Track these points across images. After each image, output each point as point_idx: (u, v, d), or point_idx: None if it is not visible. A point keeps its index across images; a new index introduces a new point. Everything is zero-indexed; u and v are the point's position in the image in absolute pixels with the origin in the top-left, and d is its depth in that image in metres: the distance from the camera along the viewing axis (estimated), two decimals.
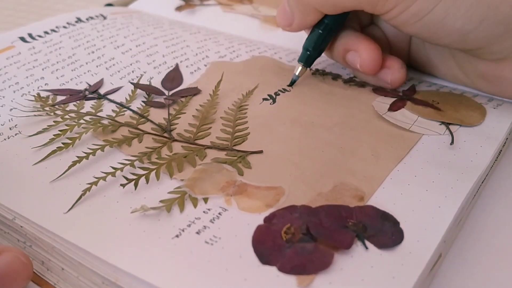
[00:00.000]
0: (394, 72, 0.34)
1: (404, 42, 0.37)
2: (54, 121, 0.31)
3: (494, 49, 0.30)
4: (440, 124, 0.31)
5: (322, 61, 0.39)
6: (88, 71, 0.37)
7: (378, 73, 0.34)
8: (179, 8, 0.52)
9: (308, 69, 0.35)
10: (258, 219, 0.23)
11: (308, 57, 0.35)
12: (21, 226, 0.24)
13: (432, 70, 0.37)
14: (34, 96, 0.34)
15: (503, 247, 0.25)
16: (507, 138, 0.31)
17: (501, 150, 0.30)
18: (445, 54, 0.35)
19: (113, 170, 0.26)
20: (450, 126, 0.30)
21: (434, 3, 0.29)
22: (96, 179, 0.26)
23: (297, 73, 0.35)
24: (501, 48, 0.30)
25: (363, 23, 0.37)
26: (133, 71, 0.37)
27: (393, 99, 0.33)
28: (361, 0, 0.30)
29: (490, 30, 0.29)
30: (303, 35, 0.36)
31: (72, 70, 0.37)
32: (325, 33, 0.34)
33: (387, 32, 0.37)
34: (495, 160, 0.29)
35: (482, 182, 0.28)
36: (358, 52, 0.33)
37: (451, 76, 0.36)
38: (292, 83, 0.35)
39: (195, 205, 0.24)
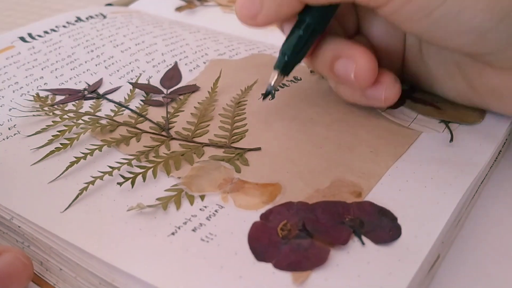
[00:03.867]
0: (388, 88, 0.28)
1: (396, 53, 0.31)
2: (52, 121, 0.31)
3: (511, 54, 0.26)
4: (439, 122, 0.30)
5: None
6: (87, 70, 0.37)
7: (369, 90, 0.29)
8: (179, 9, 0.52)
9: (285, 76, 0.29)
10: (255, 216, 0.23)
11: (285, 63, 0.28)
12: (19, 226, 0.24)
13: (432, 85, 0.32)
14: (33, 96, 0.34)
15: (503, 248, 0.25)
16: (506, 139, 0.30)
17: (500, 151, 0.30)
18: (449, 65, 0.30)
19: (111, 169, 0.26)
20: (449, 124, 0.30)
21: None
22: (93, 179, 0.26)
23: (272, 83, 0.28)
24: None
25: (348, 31, 0.31)
26: (132, 70, 0.37)
27: None
28: None
29: (511, 30, 0.24)
30: None
31: (71, 70, 0.37)
32: (306, 35, 0.27)
33: (376, 42, 0.31)
34: (495, 160, 0.29)
35: (482, 182, 0.28)
36: (353, 58, 0.27)
37: (455, 92, 0.31)
38: (266, 95, 0.29)
39: (191, 203, 0.24)
